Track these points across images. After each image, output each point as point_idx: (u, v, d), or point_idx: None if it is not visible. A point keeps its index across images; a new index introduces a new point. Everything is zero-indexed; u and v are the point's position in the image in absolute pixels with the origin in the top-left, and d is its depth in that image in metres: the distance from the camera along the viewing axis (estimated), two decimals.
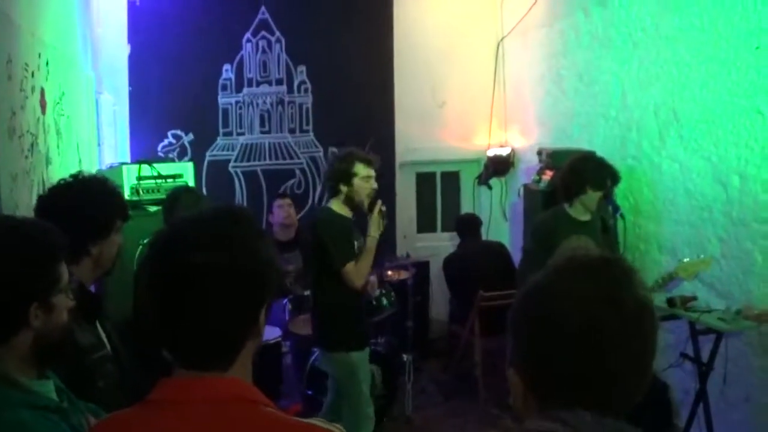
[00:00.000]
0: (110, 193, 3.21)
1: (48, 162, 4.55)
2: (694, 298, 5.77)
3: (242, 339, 1.79)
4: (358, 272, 5.44)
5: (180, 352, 1.78)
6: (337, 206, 5.50)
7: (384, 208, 5.46)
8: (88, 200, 3.05)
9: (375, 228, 5.42)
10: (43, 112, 4.45)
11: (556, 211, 5.91)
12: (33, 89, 4.20)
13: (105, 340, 3.12)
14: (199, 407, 1.72)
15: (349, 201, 5.48)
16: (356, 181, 5.42)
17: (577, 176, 5.75)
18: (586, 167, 5.77)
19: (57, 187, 3.12)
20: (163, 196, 6.02)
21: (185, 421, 1.71)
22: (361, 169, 5.43)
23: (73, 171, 5.09)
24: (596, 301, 1.57)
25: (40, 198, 3.15)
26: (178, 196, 5.31)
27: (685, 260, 5.65)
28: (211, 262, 1.72)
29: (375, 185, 5.52)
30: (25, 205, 3.79)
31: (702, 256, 5.74)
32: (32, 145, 4.13)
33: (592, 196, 5.69)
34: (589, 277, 1.63)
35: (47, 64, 4.57)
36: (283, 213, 7.86)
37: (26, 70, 4.06)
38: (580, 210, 5.75)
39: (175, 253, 1.74)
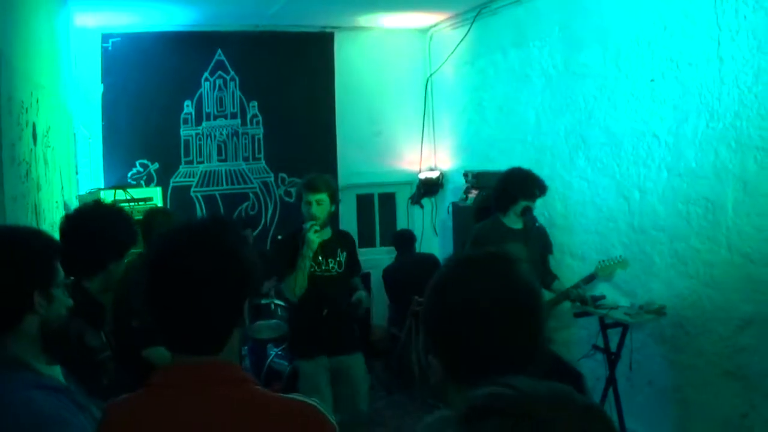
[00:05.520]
0: (129, 221, 3.39)
1: (39, 188, 4.60)
2: (603, 297, 5.93)
3: (231, 327, 1.89)
4: (287, 286, 5.26)
5: (179, 340, 1.86)
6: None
7: (312, 231, 5.12)
8: (113, 224, 3.22)
9: (305, 247, 5.12)
10: (35, 143, 4.49)
11: (493, 221, 5.88)
12: (27, 123, 4.25)
13: (107, 343, 3.23)
14: (199, 387, 1.81)
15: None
16: (303, 204, 5.28)
17: (510, 189, 5.76)
18: (518, 180, 5.79)
19: (83, 211, 3.29)
20: (137, 218, 6.09)
21: (188, 399, 1.80)
22: (303, 195, 5.28)
23: (57, 196, 5.20)
24: (490, 291, 1.65)
25: (68, 218, 3.29)
26: (154, 215, 5.39)
27: (604, 261, 5.76)
28: (205, 266, 1.80)
29: (315, 209, 5.20)
30: (22, 224, 3.83)
31: (620, 256, 5.84)
32: (27, 172, 4.18)
33: (523, 205, 5.71)
34: (481, 269, 1.72)
35: (37, 101, 4.61)
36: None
37: (22, 106, 4.12)
38: (514, 219, 5.76)
39: (172, 258, 1.83)
